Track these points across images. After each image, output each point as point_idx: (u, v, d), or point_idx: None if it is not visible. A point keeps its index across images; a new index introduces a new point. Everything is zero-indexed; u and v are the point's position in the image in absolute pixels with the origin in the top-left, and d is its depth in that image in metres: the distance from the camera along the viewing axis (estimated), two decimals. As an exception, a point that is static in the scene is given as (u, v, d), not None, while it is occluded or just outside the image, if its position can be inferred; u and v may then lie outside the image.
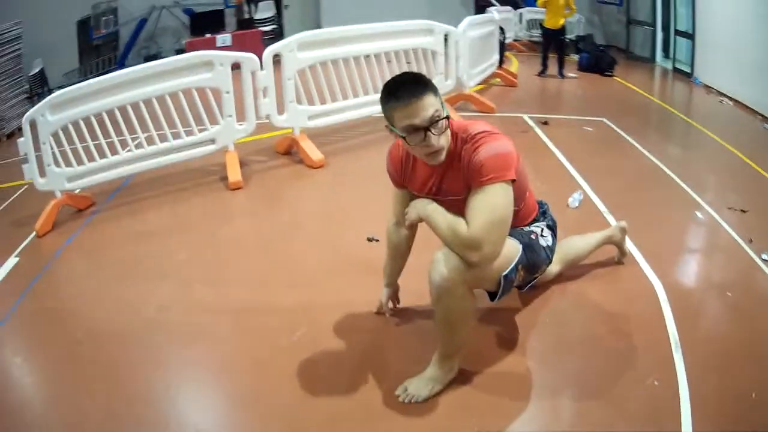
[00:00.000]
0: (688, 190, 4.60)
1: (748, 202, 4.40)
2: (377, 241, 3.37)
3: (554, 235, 2.49)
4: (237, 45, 9.00)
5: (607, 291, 3.06)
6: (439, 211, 1.92)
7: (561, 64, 9.42)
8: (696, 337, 2.69)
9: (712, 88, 9.15)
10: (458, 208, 1.93)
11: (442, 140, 1.88)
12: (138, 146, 4.17)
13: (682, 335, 2.67)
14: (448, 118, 1.88)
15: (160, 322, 2.77)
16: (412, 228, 2.34)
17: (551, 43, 9.56)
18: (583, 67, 10.35)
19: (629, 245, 3.42)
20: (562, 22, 9.35)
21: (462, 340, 2.15)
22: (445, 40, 5.91)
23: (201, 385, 2.44)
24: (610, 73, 10.11)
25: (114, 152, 4.24)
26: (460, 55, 6.11)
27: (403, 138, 1.88)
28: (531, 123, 6.28)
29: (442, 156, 1.92)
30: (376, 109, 5.36)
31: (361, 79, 5.21)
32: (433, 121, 1.83)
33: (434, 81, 5.63)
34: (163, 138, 4.20)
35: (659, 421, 2.16)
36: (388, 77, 5.22)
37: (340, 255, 3.34)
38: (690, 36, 10.03)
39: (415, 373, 2.22)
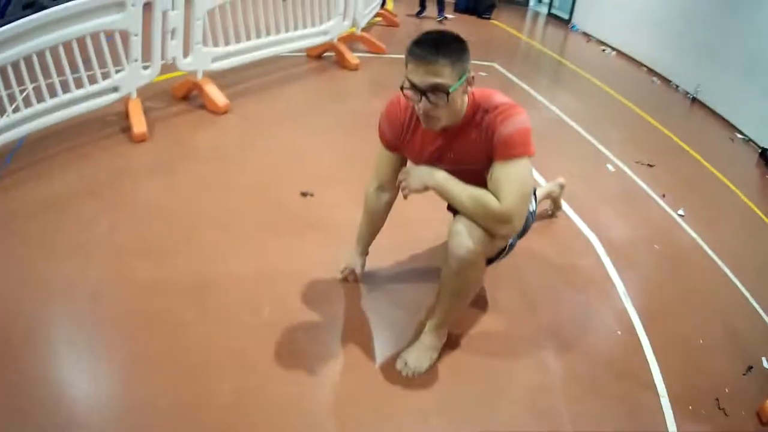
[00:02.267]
0: (594, 142, 5.22)
1: (652, 156, 5.10)
2: (312, 195, 3.52)
3: (536, 199, 2.78)
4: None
5: (551, 245, 3.48)
6: (454, 181, 2.03)
7: (441, 6, 9.71)
8: (639, 288, 3.22)
9: (592, 36, 10.14)
10: (466, 176, 2.05)
11: (438, 112, 1.97)
12: (40, 100, 3.69)
13: (627, 286, 3.19)
14: (447, 93, 1.91)
15: (100, 311, 2.46)
16: (395, 193, 2.48)
17: None
18: (461, 9, 10.80)
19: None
20: None
21: (464, 308, 2.38)
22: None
23: (179, 399, 2.11)
24: (488, 17, 10.67)
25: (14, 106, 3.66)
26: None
27: (401, 88, 1.99)
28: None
29: (436, 126, 2.02)
30: (280, 49, 5.47)
31: (265, 18, 5.22)
32: (432, 90, 1.91)
33: (333, 21, 5.95)
34: (65, 88, 3.82)
35: (632, 369, 2.63)
36: (291, 17, 5.44)
37: (277, 213, 3.36)
38: (572, -18, 10.98)
39: (400, 344, 2.42)
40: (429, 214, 3.00)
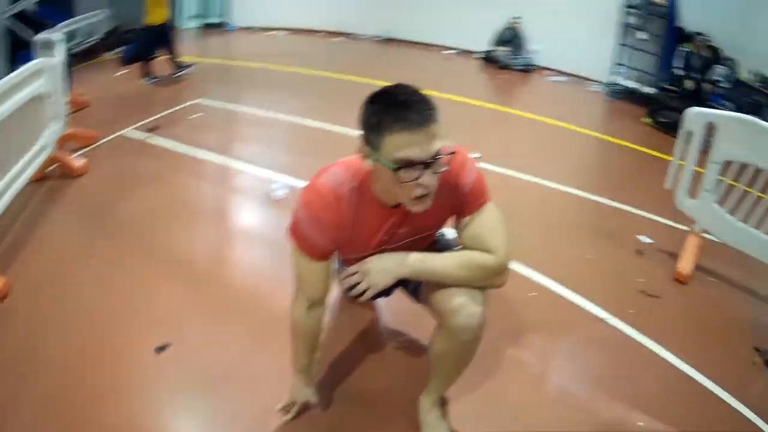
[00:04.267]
0: (342, 130, 5.42)
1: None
2: (171, 345, 2.75)
3: None
4: None
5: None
6: (431, 257, 1.86)
7: (176, 62, 8.27)
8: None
9: (254, 27, 10.53)
10: (419, 245, 1.94)
11: (435, 180, 1.68)
12: None
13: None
14: (452, 154, 1.72)
15: None
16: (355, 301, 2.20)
17: (159, 43, 8.22)
18: (132, 59, 8.62)
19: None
20: (167, 13, 8.13)
21: None
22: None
23: None
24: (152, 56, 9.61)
25: None
26: (63, 89, 5.30)
27: (395, 171, 1.63)
28: (141, 135, 5.81)
29: (430, 202, 1.73)
30: (19, 185, 3.87)
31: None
32: (437, 157, 1.64)
33: (48, 130, 5.08)
34: None
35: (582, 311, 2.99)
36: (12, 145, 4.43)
37: (144, 382, 2.59)
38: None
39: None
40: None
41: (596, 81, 7.25)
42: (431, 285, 1.94)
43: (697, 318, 3.01)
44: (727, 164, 3.18)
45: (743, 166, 3.14)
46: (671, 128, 6.20)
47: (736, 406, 2.46)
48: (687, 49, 6.53)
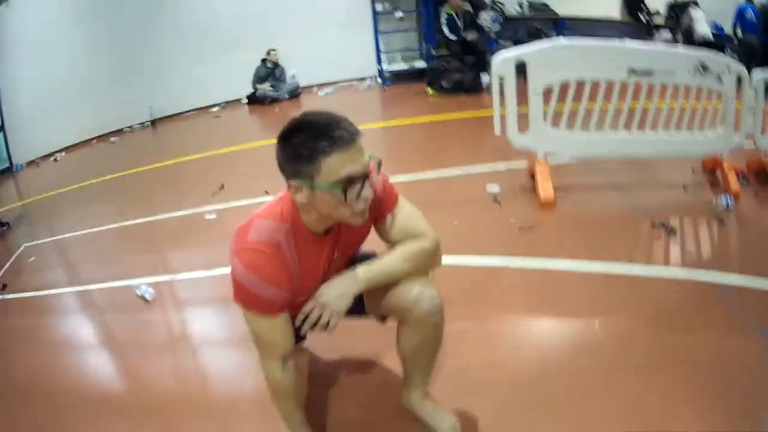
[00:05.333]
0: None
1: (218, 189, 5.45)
2: None
3: None
4: None
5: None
6: (375, 265, 1.94)
7: None
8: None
9: (36, 159, 9.87)
10: (350, 260, 2.03)
11: (372, 191, 1.79)
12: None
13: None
14: (380, 163, 1.81)
15: None
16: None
17: None
18: None
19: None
20: None
21: None
22: None
23: None
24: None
25: None
26: None
27: (343, 192, 1.69)
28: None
29: (368, 212, 1.82)
30: None
31: None
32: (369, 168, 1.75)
33: None
34: None
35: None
36: None
37: None
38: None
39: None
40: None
41: (366, 77, 7.56)
42: (377, 292, 2.00)
43: (584, 227, 3.33)
44: (548, 91, 3.50)
45: (563, 86, 3.50)
46: (456, 89, 6.75)
47: (668, 275, 2.79)
48: (447, 13, 6.98)
